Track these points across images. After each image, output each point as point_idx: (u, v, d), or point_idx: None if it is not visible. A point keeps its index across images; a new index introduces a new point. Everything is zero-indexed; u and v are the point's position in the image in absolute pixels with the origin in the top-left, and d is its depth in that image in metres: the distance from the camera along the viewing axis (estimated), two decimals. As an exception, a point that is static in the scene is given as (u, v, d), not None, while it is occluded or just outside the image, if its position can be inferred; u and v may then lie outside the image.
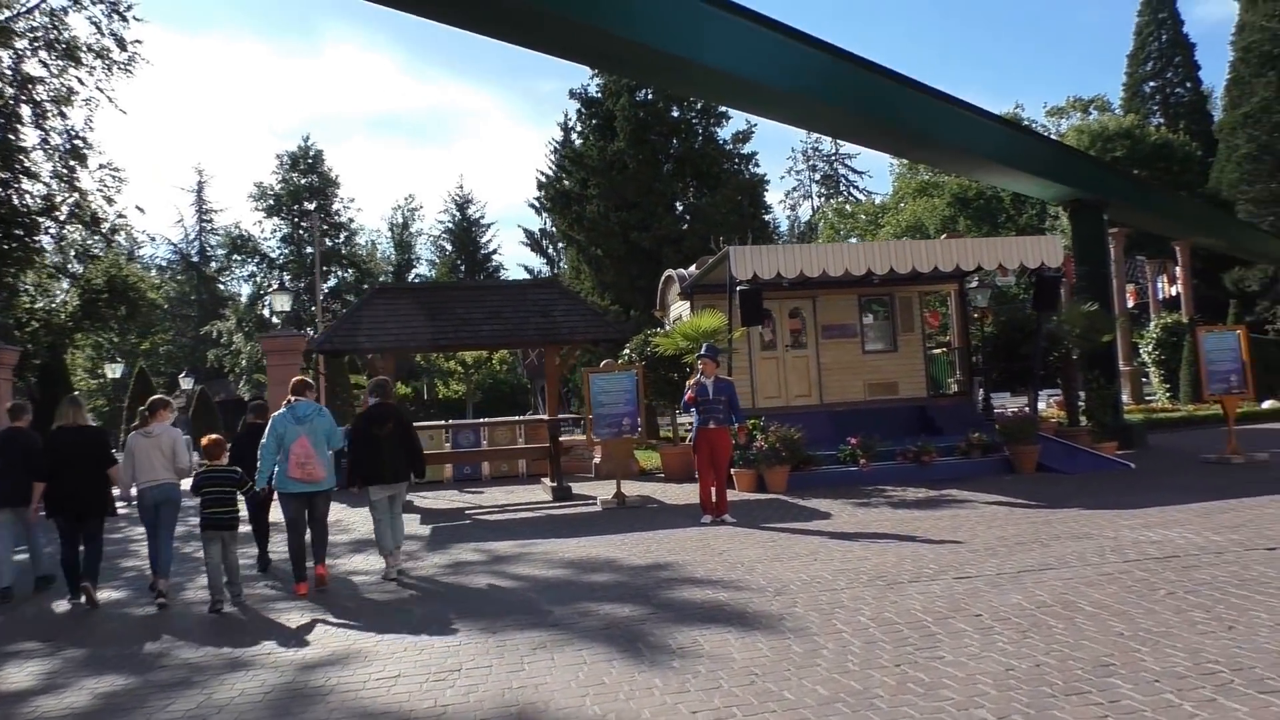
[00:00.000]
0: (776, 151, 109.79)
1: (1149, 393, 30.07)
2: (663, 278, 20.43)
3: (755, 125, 35.95)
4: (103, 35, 23.85)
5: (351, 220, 56.18)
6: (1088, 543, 8.31)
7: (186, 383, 38.55)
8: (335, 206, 54.95)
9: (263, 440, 8.47)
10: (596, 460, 18.21)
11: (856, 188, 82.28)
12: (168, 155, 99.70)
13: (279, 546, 10.18)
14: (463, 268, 61.58)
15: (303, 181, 54.11)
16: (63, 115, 23.57)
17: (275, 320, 19.60)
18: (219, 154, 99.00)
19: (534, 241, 54.14)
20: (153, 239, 64.10)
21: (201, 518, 8.19)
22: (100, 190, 24.45)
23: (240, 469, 8.73)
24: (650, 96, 33.77)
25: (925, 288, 19.45)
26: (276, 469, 8.35)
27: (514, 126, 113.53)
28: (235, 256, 57.22)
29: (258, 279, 54.63)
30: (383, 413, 8.97)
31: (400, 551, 9.11)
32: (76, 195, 24.14)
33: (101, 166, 24.28)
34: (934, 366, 19.94)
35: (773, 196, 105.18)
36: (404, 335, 14.76)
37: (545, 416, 16.34)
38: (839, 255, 15.51)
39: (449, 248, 64.05)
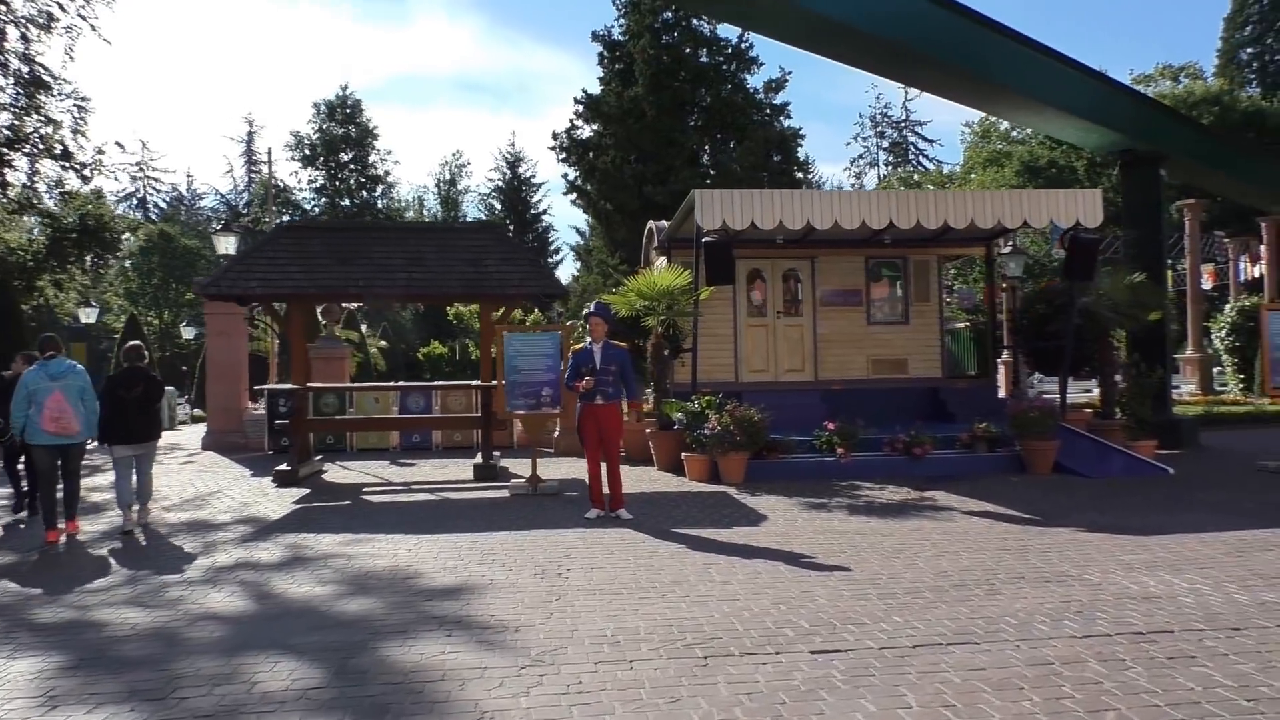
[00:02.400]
0: (844, 118, 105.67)
1: (1221, 383, 26.78)
2: (645, 231, 17.94)
3: (790, 73, 32.69)
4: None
5: (388, 174, 54.30)
6: (1054, 591, 5.78)
7: (188, 332, 37.24)
8: (372, 159, 53.08)
9: (15, 394, 8.73)
10: (555, 434, 15.97)
11: (926, 156, 78.09)
12: (255, 120, 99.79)
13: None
14: (511, 226, 59.53)
15: (339, 131, 52.27)
16: (25, 40, 21.96)
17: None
18: (296, 117, 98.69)
19: (587, 200, 51.78)
20: (202, 193, 63.59)
21: None
22: (71, 116, 22.95)
23: None
24: (676, 39, 30.80)
25: (946, 250, 16.69)
26: (28, 422, 8.58)
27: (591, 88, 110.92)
28: (270, 207, 55.79)
29: (292, 230, 53.17)
30: (133, 376, 9.24)
31: (148, 510, 9.52)
32: (46, 127, 22.61)
33: (66, 97, 22.71)
34: (955, 343, 17.17)
35: (834, 166, 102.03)
36: (305, 281, 12.55)
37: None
38: (827, 205, 12.91)
39: (498, 206, 61.93)
